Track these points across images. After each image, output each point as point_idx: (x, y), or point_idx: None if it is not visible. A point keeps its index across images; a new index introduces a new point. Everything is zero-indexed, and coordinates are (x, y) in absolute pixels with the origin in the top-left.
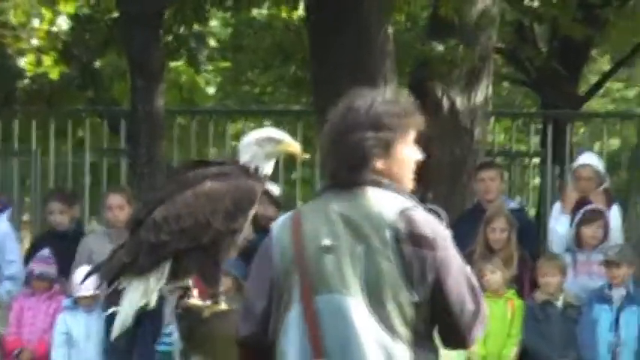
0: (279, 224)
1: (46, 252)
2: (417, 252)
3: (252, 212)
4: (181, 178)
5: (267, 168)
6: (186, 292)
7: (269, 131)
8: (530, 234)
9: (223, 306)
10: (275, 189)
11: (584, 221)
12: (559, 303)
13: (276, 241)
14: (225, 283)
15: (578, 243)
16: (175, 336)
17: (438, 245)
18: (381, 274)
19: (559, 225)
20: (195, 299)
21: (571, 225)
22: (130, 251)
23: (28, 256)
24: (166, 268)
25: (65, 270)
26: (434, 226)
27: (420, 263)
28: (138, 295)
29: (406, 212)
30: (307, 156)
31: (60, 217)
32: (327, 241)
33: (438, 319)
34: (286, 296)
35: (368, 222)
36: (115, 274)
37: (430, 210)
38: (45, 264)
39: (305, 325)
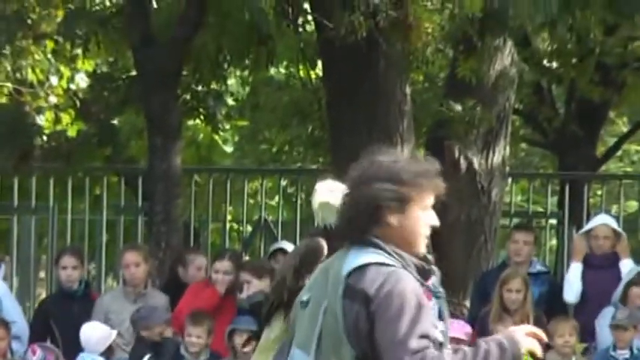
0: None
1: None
2: (352, 306)
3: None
4: None
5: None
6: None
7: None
8: (558, 295)
9: None
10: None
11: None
12: None
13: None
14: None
15: (623, 300)
16: None
17: (373, 300)
18: (327, 329)
19: (572, 274)
20: None
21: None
22: None
23: (38, 314)
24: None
25: (69, 331)
26: (384, 283)
27: (355, 317)
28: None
29: (363, 268)
30: None
31: (72, 272)
32: (304, 297)
33: None
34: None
35: (334, 278)
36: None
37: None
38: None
39: None
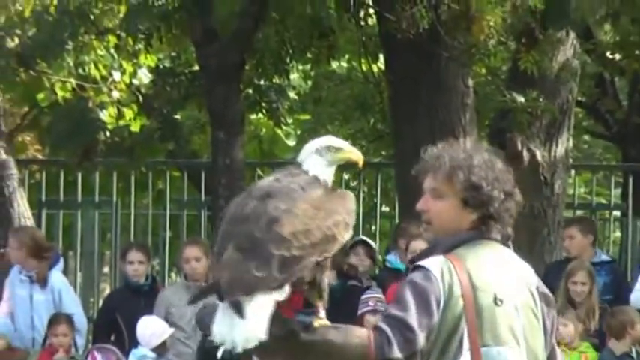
0: (438, 266)
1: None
2: (549, 311)
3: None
4: (265, 189)
5: (328, 177)
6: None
7: (329, 139)
8: (623, 285)
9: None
10: (374, 243)
11: None
12: (634, 354)
13: (441, 282)
14: None
15: None
16: None
17: (553, 304)
18: (534, 328)
19: None
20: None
21: None
22: (261, 266)
23: (104, 307)
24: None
25: (136, 325)
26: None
27: (550, 321)
28: (266, 311)
29: (532, 271)
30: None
31: (139, 267)
32: (498, 294)
33: None
34: (456, 344)
35: (520, 277)
36: (251, 289)
37: None
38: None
39: None
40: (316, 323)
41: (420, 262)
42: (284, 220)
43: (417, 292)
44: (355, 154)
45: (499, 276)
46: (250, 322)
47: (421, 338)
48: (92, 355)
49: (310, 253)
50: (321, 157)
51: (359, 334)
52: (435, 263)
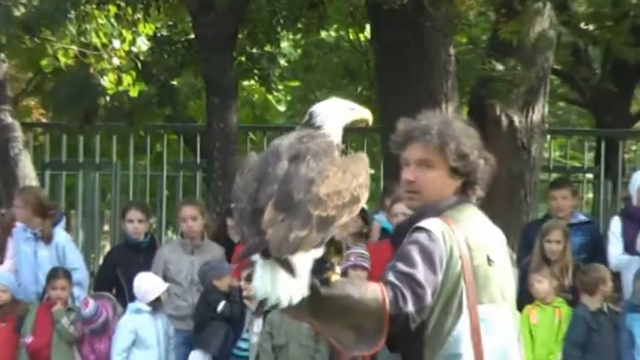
0: (439, 228)
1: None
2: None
3: None
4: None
5: (339, 138)
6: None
7: (338, 101)
8: (601, 244)
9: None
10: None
11: None
12: (606, 310)
13: (443, 243)
14: None
15: None
16: (254, 340)
17: (515, 264)
18: (512, 285)
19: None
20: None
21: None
22: (302, 226)
23: (105, 263)
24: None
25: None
26: None
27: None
28: (307, 268)
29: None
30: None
31: (138, 225)
32: (491, 255)
33: None
34: (456, 303)
35: (499, 238)
36: (296, 248)
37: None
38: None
39: (472, 335)
40: (333, 278)
41: (421, 224)
42: (319, 182)
43: (422, 252)
44: (367, 113)
45: (488, 237)
46: (295, 280)
47: (429, 294)
48: (86, 301)
49: (341, 214)
50: (338, 118)
51: (373, 289)
52: (436, 225)
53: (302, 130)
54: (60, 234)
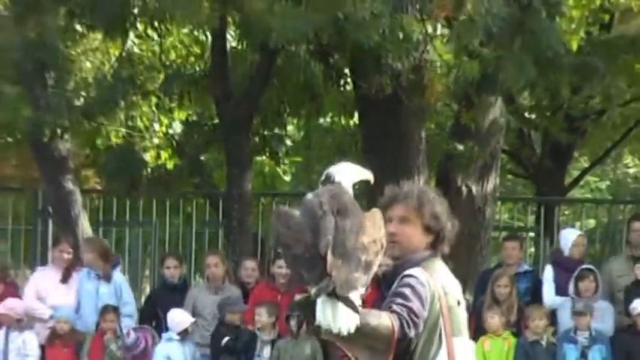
0: (424, 276)
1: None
2: None
3: None
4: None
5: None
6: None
7: (348, 164)
8: (540, 288)
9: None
10: None
11: (580, 277)
12: (544, 342)
13: (428, 287)
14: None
15: (576, 293)
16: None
17: None
18: (466, 322)
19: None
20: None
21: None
22: (356, 270)
23: (148, 301)
24: None
25: None
26: None
27: None
28: (358, 303)
29: None
30: None
31: (174, 271)
32: (457, 297)
33: None
34: (437, 336)
35: (458, 285)
36: (354, 287)
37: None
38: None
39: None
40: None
41: (409, 272)
42: (362, 233)
43: (414, 291)
44: (370, 175)
45: (454, 285)
46: (351, 313)
47: (421, 323)
48: (128, 333)
49: (376, 259)
50: (350, 176)
51: (385, 317)
52: (420, 273)
53: (326, 187)
54: (118, 275)
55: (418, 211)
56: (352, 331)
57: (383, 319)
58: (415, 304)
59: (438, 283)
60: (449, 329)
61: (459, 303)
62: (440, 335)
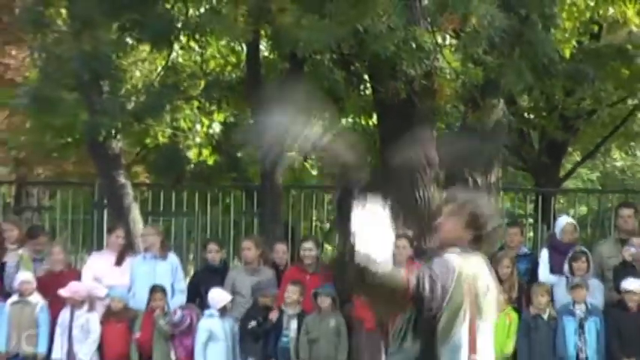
0: (453, 257)
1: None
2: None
3: None
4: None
5: None
6: None
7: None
8: (536, 270)
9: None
10: None
11: (574, 258)
12: (545, 316)
13: (453, 267)
14: (326, 302)
15: (571, 272)
16: (292, 335)
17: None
18: (495, 309)
19: (543, 263)
20: None
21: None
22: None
23: (192, 282)
24: None
25: None
26: None
27: None
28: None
29: None
30: None
31: (215, 255)
32: (488, 285)
33: None
34: (462, 313)
35: (490, 276)
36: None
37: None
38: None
39: (469, 336)
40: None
41: (444, 255)
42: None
43: (439, 264)
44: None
45: (485, 274)
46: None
47: (439, 289)
48: (175, 311)
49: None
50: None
51: (403, 271)
52: (452, 257)
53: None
54: (172, 256)
55: (461, 209)
56: (384, 261)
57: (402, 272)
58: (435, 271)
59: (469, 269)
60: (474, 311)
61: (487, 290)
62: (464, 314)
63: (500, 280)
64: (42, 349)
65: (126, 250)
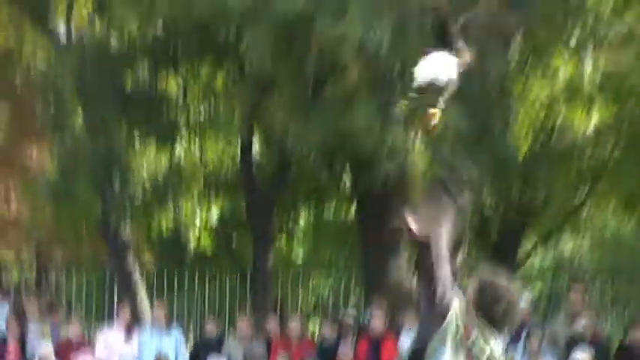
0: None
1: None
2: None
3: None
4: None
5: None
6: None
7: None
8: None
9: None
10: None
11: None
12: None
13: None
14: None
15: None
16: None
17: None
18: None
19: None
20: None
21: None
22: None
23: (193, 351)
24: None
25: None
26: None
27: None
28: None
29: None
30: None
31: (213, 328)
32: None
33: None
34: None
35: None
36: None
37: None
38: None
39: None
40: None
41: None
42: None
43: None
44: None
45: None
46: None
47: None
48: None
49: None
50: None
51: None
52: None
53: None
54: (177, 332)
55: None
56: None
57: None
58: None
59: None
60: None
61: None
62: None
63: None
64: None
65: (132, 324)
